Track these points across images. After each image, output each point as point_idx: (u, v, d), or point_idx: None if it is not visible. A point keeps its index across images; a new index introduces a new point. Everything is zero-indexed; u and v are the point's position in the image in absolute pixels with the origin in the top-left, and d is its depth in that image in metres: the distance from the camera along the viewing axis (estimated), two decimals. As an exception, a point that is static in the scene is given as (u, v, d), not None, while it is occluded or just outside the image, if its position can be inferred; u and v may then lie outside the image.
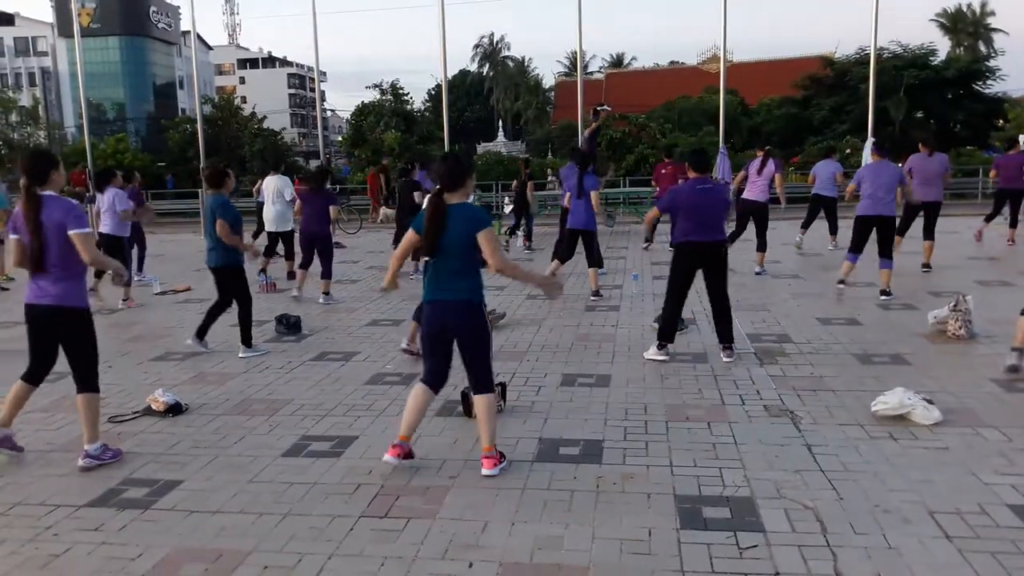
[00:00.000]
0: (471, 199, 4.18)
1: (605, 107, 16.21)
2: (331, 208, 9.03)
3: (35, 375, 4.39)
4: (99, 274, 9.33)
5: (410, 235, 4.06)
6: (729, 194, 6.19)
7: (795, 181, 20.40)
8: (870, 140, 14.09)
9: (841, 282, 8.53)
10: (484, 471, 3.93)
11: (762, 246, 10.09)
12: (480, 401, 4.00)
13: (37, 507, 3.77)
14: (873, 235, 8.01)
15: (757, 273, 9.85)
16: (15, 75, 62.66)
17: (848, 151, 21.78)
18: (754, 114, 31.74)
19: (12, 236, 4.30)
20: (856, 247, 8.17)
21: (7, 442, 4.39)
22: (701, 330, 6.92)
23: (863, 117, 18.51)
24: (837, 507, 3.48)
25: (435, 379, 4.08)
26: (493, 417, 4.03)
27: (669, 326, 6.03)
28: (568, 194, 8.79)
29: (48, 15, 62.56)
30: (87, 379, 4.30)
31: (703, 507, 3.52)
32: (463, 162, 4.03)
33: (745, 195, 10.29)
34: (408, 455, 4.05)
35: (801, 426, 4.51)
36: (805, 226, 12.09)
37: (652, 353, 6.00)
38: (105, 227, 9.18)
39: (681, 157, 6.31)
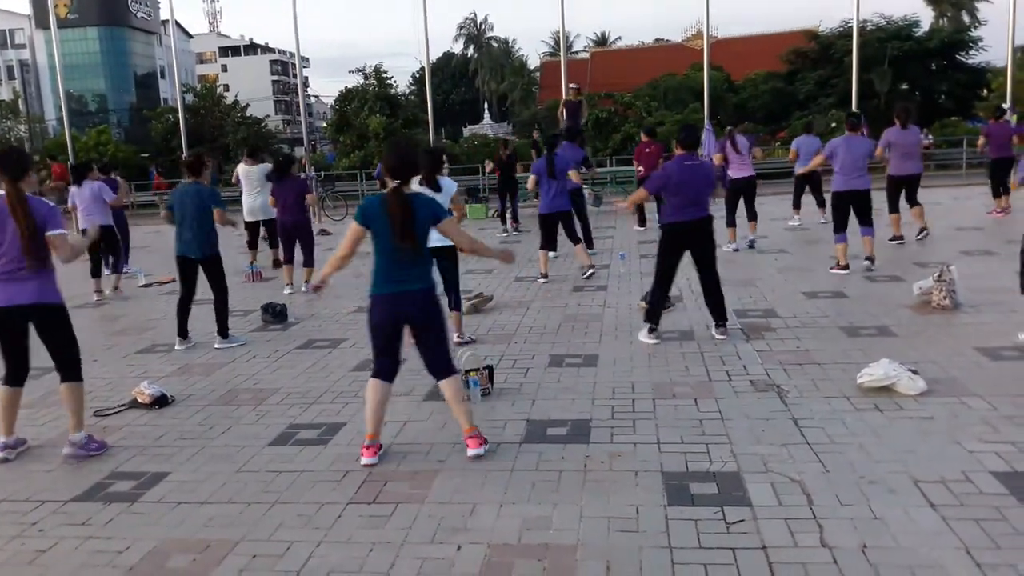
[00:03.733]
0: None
1: (573, 85, 16.18)
2: (307, 196, 8.92)
3: (16, 376, 4.36)
4: (96, 272, 9.26)
5: (353, 230, 3.93)
6: (714, 172, 6.12)
7: (780, 156, 20.39)
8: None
9: (844, 267, 8.02)
10: (470, 451, 3.93)
11: (752, 216, 10.14)
12: (450, 384, 3.99)
13: (23, 503, 3.75)
14: (850, 210, 8.00)
15: (750, 244, 9.86)
16: (-7, 68, 61.83)
17: (833, 124, 21.77)
18: (740, 90, 31.63)
19: None
20: (840, 226, 8.05)
21: (6, 448, 4.35)
22: (688, 307, 6.93)
23: (848, 90, 18.46)
24: (823, 479, 3.50)
25: (390, 371, 4.05)
26: (463, 398, 4.06)
27: (657, 308, 6.00)
28: (533, 177, 8.42)
29: (25, 7, 61.71)
30: (70, 369, 4.31)
31: (690, 483, 3.53)
32: (411, 152, 3.99)
33: (731, 173, 10.28)
34: (379, 448, 4.04)
35: (787, 400, 4.53)
36: (796, 205, 12.04)
37: (644, 336, 5.98)
38: (94, 219, 9.06)
39: (681, 135, 6.11)
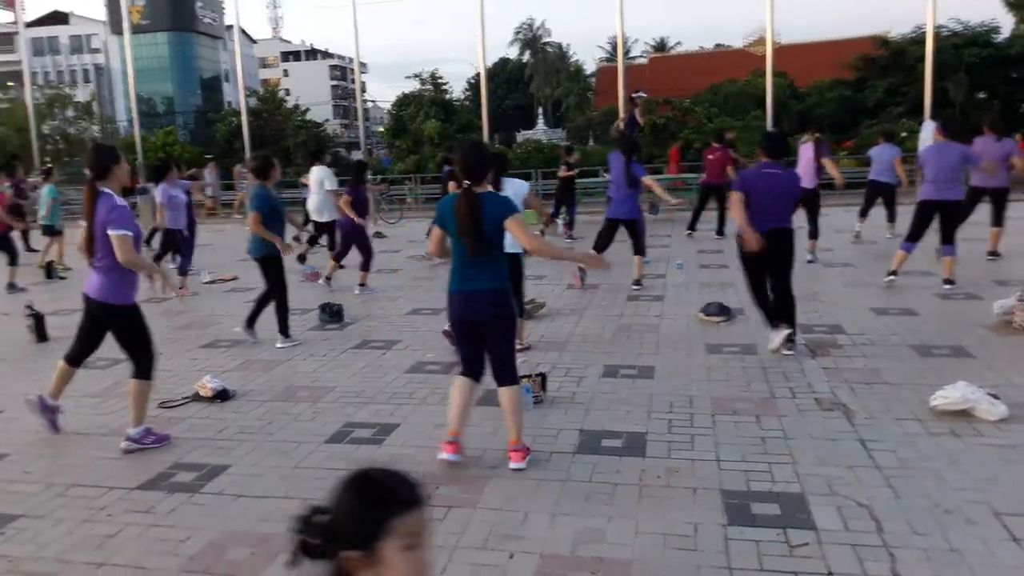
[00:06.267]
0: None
1: (641, 93, 15.96)
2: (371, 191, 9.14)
3: (74, 358, 4.52)
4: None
5: (436, 232, 4.00)
6: (799, 180, 5.82)
7: (847, 166, 19.84)
8: (928, 122, 13.55)
9: (892, 273, 7.88)
10: (512, 465, 3.88)
11: (814, 233, 9.82)
12: (507, 393, 3.93)
13: (92, 488, 3.86)
14: (933, 222, 7.66)
15: (809, 261, 9.60)
16: (71, 72, 64.40)
17: (904, 134, 21.09)
18: (804, 97, 30.94)
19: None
20: (914, 235, 7.70)
21: (49, 413, 4.52)
22: (749, 320, 6.76)
23: (920, 98, 17.83)
24: (894, 505, 3.35)
25: (473, 368, 4.03)
26: (520, 409, 3.98)
27: (767, 310, 5.78)
28: (613, 183, 8.63)
29: (101, 13, 64.18)
30: (140, 367, 4.41)
31: (751, 503, 3.43)
32: (485, 153, 3.99)
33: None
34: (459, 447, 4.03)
35: (855, 420, 4.36)
36: (863, 214, 11.58)
37: (777, 344, 5.67)
38: (167, 222, 9.43)
39: (763, 141, 5.93)
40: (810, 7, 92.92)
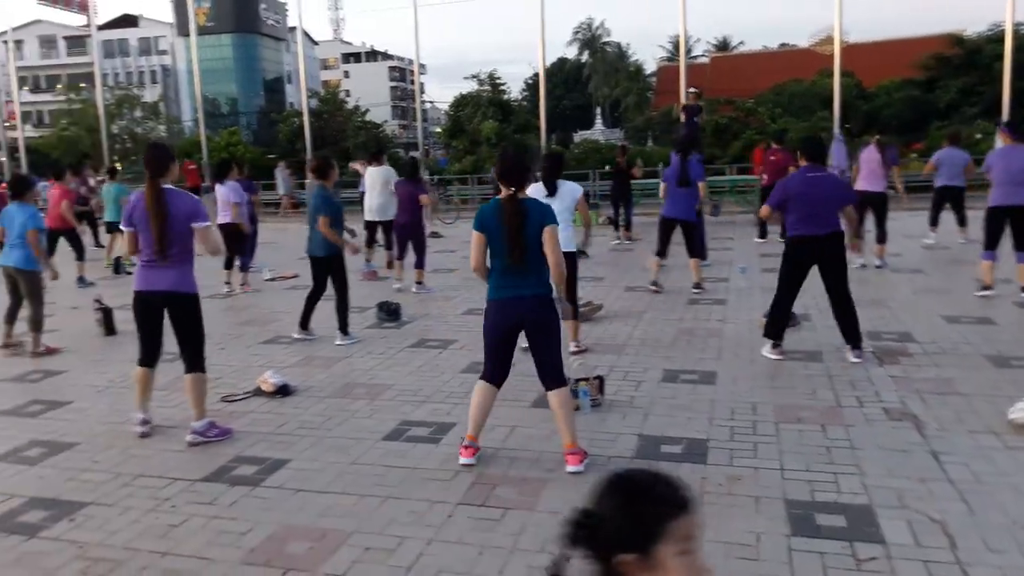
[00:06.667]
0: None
1: (692, 89, 15.69)
2: (421, 197, 9.14)
3: (149, 358, 4.64)
4: (228, 264, 9.80)
5: (474, 239, 3.95)
6: (845, 183, 5.69)
7: (915, 169, 19.16)
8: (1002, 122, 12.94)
9: (986, 288, 7.40)
10: (569, 468, 3.84)
11: (882, 237, 9.48)
12: (557, 396, 3.91)
13: (157, 479, 3.97)
14: (1006, 228, 7.33)
15: (878, 266, 9.27)
16: (139, 73, 66.63)
17: (979, 136, 20.24)
18: (872, 97, 29.99)
19: (127, 228, 4.55)
20: (991, 242, 7.36)
21: (144, 424, 4.64)
22: (815, 326, 6.57)
23: (997, 99, 17.09)
24: (968, 521, 3.20)
25: (498, 375, 4.03)
26: (571, 411, 3.97)
27: (777, 324, 5.74)
28: (664, 184, 8.45)
29: (168, 16, 66.31)
30: (195, 361, 4.53)
31: (816, 513, 3.32)
32: (522, 159, 3.98)
33: (860, 185, 9.72)
34: (477, 451, 4.03)
35: (926, 432, 4.19)
36: (934, 223, 11.01)
37: (767, 351, 5.74)
38: (225, 217, 9.65)
39: (799, 143, 5.84)
40: (879, 5, 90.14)
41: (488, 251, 3.97)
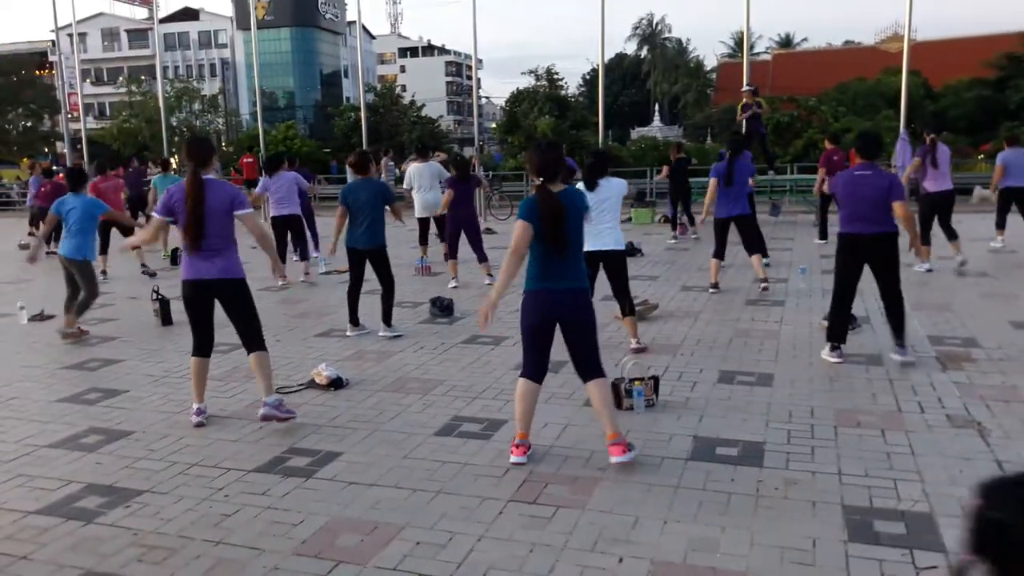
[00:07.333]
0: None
1: (747, 87, 15.38)
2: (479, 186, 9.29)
3: (203, 348, 4.76)
4: (281, 259, 10.01)
5: (523, 227, 3.82)
6: (897, 182, 5.43)
7: (984, 171, 18.42)
8: None
9: None
10: (614, 459, 3.80)
11: (951, 235, 9.17)
12: (596, 387, 3.90)
13: (211, 468, 4.07)
14: None
15: (961, 264, 8.94)
16: (199, 66, 68.04)
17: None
18: (939, 97, 28.96)
19: (159, 216, 4.69)
20: None
21: (200, 413, 4.76)
22: (876, 330, 6.37)
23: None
24: (1039, 536, 3.06)
25: (539, 371, 4.00)
26: (611, 402, 4.01)
27: (836, 325, 5.60)
28: (714, 181, 8.07)
29: (228, 9, 67.68)
30: (255, 340, 4.67)
31: (874, 520, 3.23)
32: (551, 151, 3.93)
33: (927, 187, 9.41)
34: (528, 448, 4.02)
35: (990, 439, 4.03)
36: (1000, 226, 10.55)
37: (826, 354, 5.60)
38: (285, 209, 9.87)
39: (857, 142, 5.68)
40: (948, 2, 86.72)
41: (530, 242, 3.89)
